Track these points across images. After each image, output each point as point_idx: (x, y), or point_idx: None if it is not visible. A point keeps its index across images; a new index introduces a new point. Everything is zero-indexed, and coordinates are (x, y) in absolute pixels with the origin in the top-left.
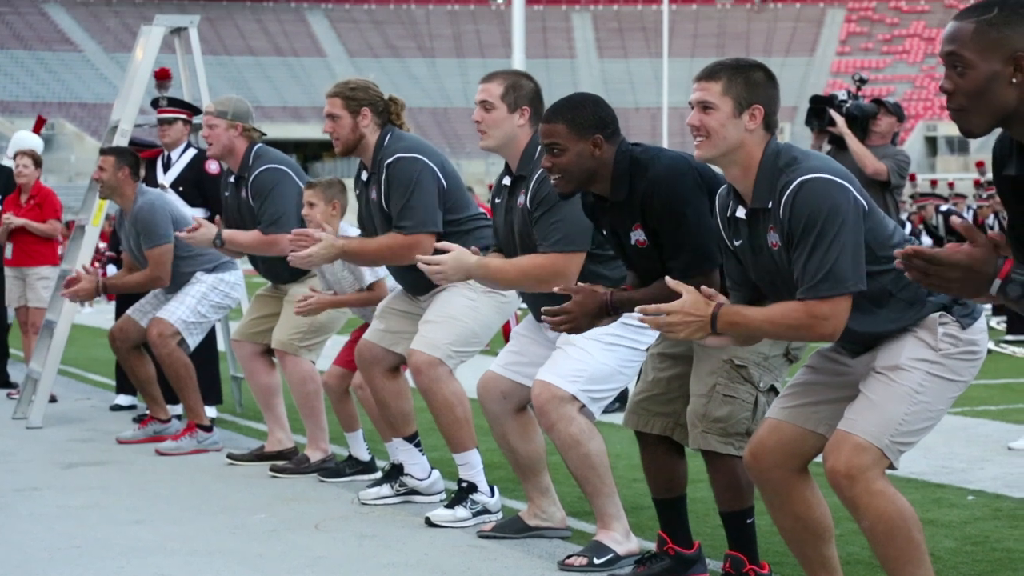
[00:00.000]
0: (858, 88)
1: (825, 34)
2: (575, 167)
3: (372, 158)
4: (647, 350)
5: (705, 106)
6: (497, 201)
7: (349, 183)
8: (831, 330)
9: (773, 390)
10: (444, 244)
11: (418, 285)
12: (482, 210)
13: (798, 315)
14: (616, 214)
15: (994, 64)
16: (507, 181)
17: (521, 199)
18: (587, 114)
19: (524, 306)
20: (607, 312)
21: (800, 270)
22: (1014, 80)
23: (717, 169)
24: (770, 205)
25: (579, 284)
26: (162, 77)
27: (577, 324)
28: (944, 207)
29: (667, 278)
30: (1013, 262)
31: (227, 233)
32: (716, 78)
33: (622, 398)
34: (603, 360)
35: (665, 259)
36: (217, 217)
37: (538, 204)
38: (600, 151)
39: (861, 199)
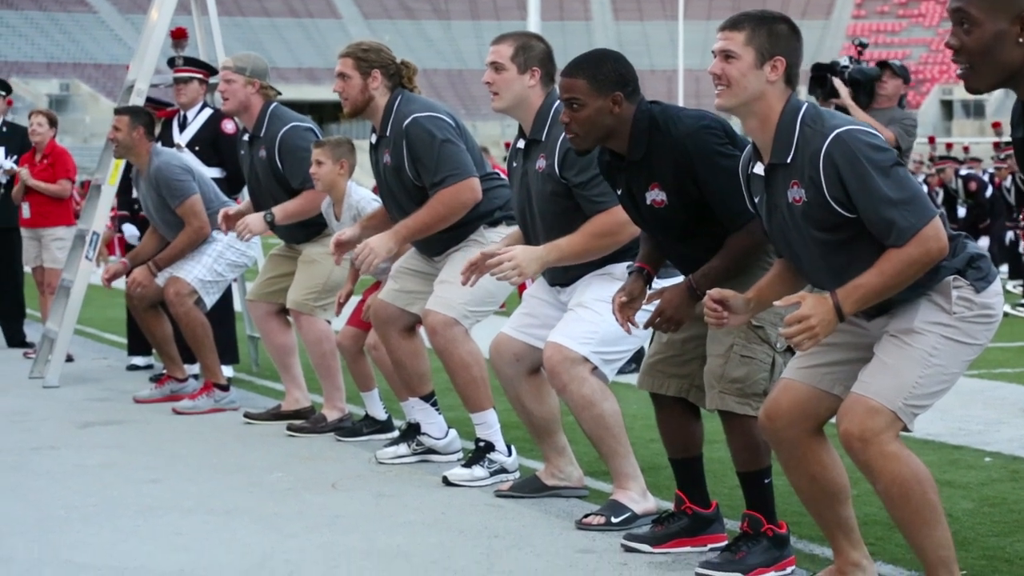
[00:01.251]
0: (859, 52)
1: None
2: (594, 123)
3: (382, 121)
4: None
5: (727, 55)
6: (514, 165)
7: (361, 144)
8: (942, 245)
9: (790, 350)
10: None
11: (433, 245)
12: (496, 170)
13: (910, 252)
14: (633, 173)
15: (1001, 22)
16: (521, 144)
17: (541, 163)
18: (608, 70)
19: None
20: (695, 296)
21: (883, 210)
22: (1020, 39)
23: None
24: (789, 160)
25: (656, 289)
26: (178, 36)
27: (678, 319)
28: (964, 170)
29: (776, 303)
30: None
31: (276, 209)
32: (740, 28)
33: (638, 358)
34: (614, 321)
35: (720, 212)
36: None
37: (571, 168)
38: (619, 108)
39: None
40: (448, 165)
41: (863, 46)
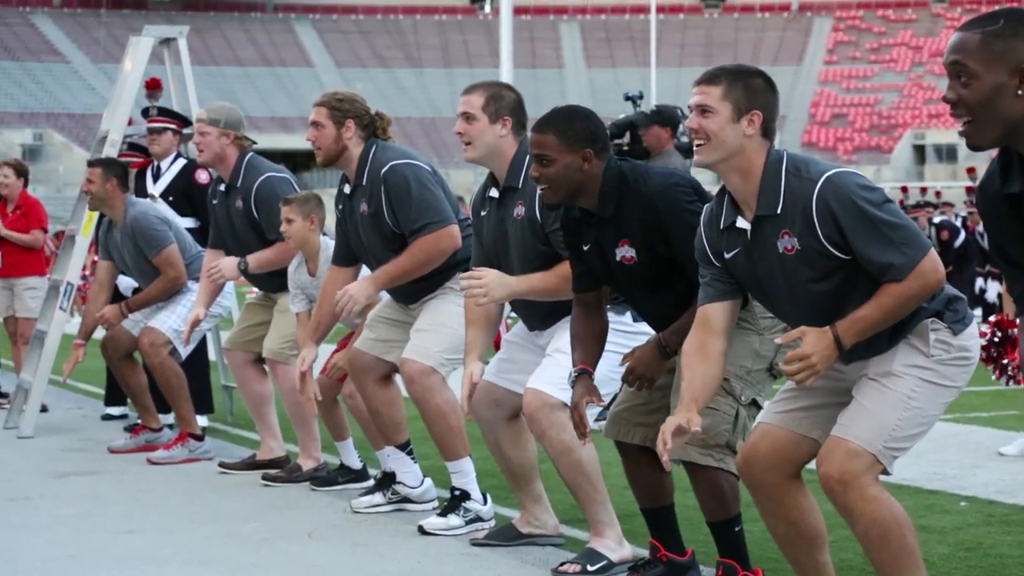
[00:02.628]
0: (635, 105)
1: (813, 43)
2: (563, 179)
3: (356, 171)
4: None
5: (704, 110)
6: (483, 213)
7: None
8: (940, 277)
9: (755, 404)
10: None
11: (408, 293)
12: (470, 218)
13: (909, 285)
14: (602, 229)
15: (999, 75)
16: (494, 193)
17: (519, 210)
18: (578, 127)
19: (514, 315)
20: (666, 354)
21: (880, 249)
22: (1020, 92)
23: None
24: (779, 211)
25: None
26: (153, 87)
27: (649, 376)
28: (937, 218)
29: (776, 340)
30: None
31: (251, 257)
32: (716, 82)
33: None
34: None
35: (685, 267)
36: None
37: (550, 216)
38: (589, 165)
39: None
40: (428, 212)
41: (640, 97)
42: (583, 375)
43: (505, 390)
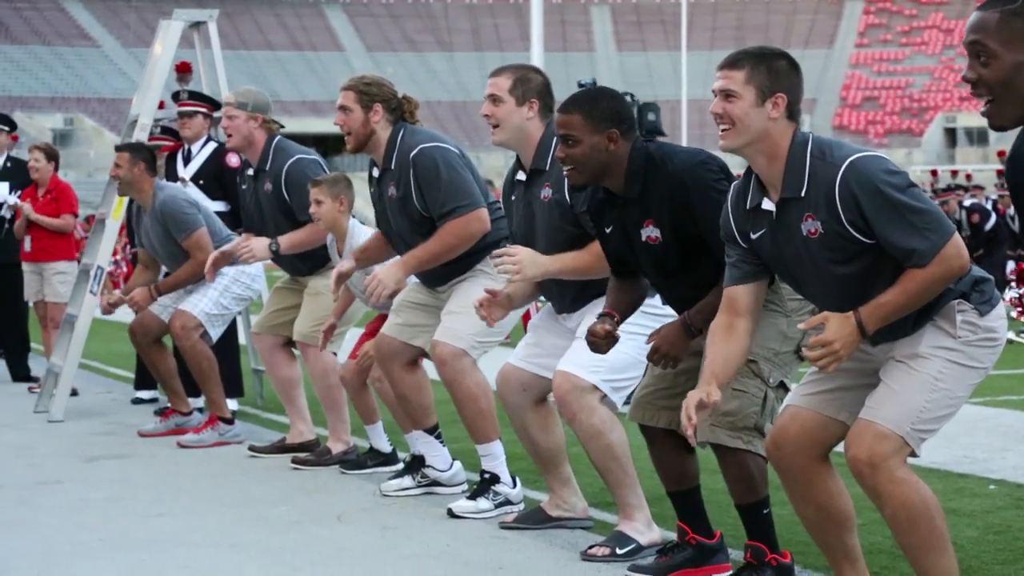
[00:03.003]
0: None
1: (844, 26)
2: (588, 159)
3: (385, 154)
4: None
5: (728, 94)
6: (513, 196)
7: (362, 174)
8: (965, 260)
9: (783, 386)
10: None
11: (437, 276)
12: (500, 201)
13: (933, 270)
14: (627, 210)
15: (1019, 54)
16: (521, 176)
17: (546, 192)
18: (604, 107)
19: (542, 298)
20: (691, 333)
21: (903, 234)
22: None
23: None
24: (803, 194)
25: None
26: (183, 71)
27: (674, 355)
28: (968, 201)
29: (800, 325)
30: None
31: (282, 238)
32: (739, 66)
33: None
34: (623, 349)
35: (712, 245)
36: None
37: (580, 196)
38: (615, 145)
39: None
40: (457, 195)
41: (592, 84)
42: (606, 315)
43: (532, 375)
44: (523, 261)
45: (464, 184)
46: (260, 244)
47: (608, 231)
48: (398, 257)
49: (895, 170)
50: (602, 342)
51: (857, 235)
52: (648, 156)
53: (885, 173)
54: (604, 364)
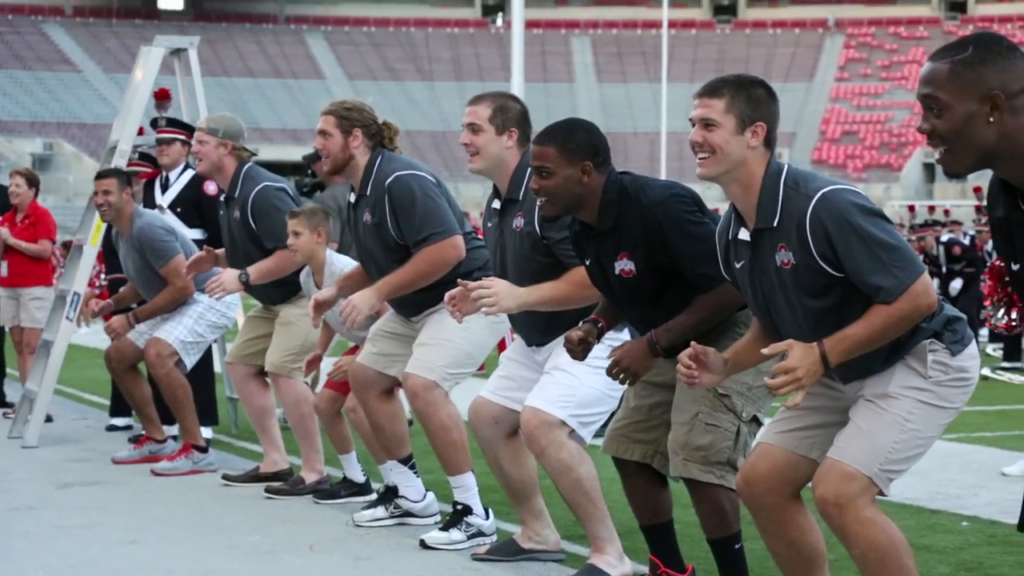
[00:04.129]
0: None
1: (824, 60)
2: (562, 191)
3: (362, 181)
4: None
5: (707, 123)
6: (489, 225)
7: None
8: (932, 299)
9: (756, 420)
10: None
11: (411, 305)
12: (476, 231)
13: (900, 307)
14: (602, 243)
15: (970, 104)
16: (497, 204)
17: (518, 222)
18: (579, 139)
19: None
20: (655, 351)
21: (871, 269)
22: (991, 119)
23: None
24: (775, 224)
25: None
26: (162, 97)
27: (634, 370)
28: (945, 236)
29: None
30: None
31: (251, 268)
32: (719, 95)
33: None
34: (592, 384)
35: (689, 275)
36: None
37: (552, 227)
38: (589, 178)
39: None
40: (432, 223)
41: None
42: (592, 322)
43: (504, 408)
44: (500, 293)
45: (439, 212)
46: (230, 276)
47: (587, 264)
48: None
49: (868, 205)
50: (577, 349)
51: (827, 268)
52: (622, 189)
53: (856, 208)
54: (572, 399)
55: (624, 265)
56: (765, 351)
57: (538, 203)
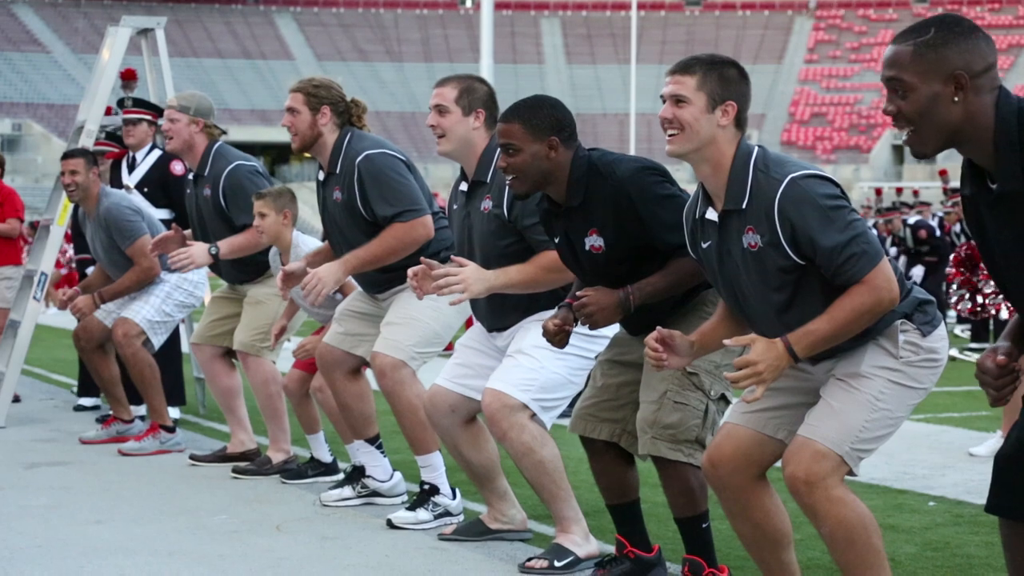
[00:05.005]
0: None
1: (793, 42)
2: (529, 168)
3: (330, 158)
4: (596, 358)
5: (678, 100)
6: (455, 207)
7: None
8: (895, 293)
9: (724, 399)
10: (454, 260)
11: (378, 283)
12: (442, 210)
13: (862, 297)
14: (571, 219)
15: (935, 85)
16: (464, 186)
17: (486, 204)
18: (543, 115)
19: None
20: (626, 308)
21: (834, 255)
22: (956, 99)
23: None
24: (744, 206)
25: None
26: (128, 77)
27: (597, 317)
28: (912, 219)
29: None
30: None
31: (222, 242)
32: (691, 72)
33: (573, 403)
34: (554, 368)
35: (664, 243)
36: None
37: (521, 211)
38: (556, 153)
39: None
40: (403, 200)
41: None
42: (567, 307)
43: (460, 396)
44: (468, 278)
45: (410, 190)
46: (199, 249)
47: (556, 241)
48: None
49: (835, 193)
50: (555, 339)
51: (792, 254)
52: (591, 164)
53: (823, 196)
54: (535, 383)
55: (594, 241)
56: (728, 343)
57: (507, 181)
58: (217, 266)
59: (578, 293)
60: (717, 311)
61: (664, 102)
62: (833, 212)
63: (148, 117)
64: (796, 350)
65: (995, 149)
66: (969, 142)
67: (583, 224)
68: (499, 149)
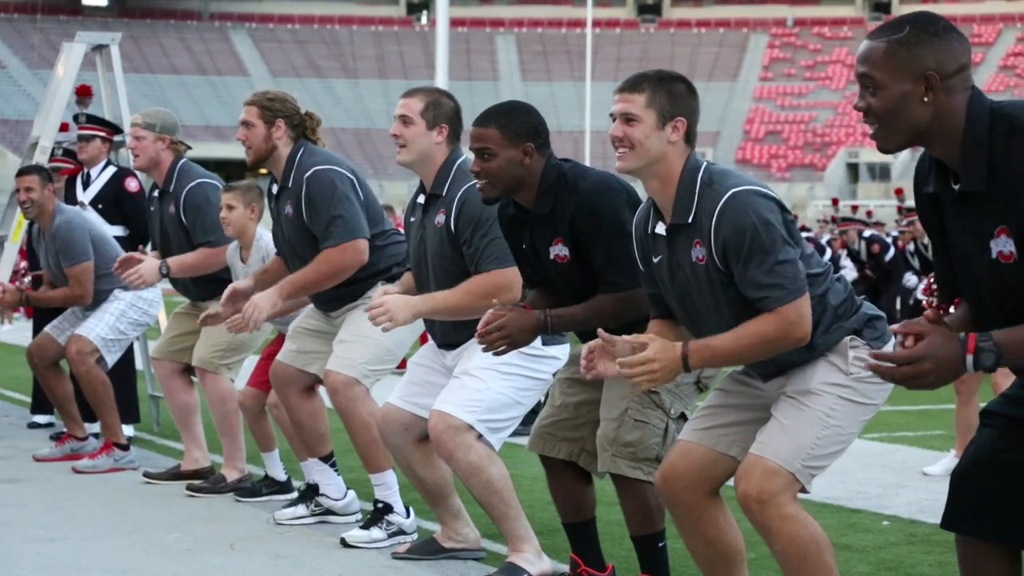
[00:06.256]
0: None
1: (748, 59)
2: (504, 173)
3: (284, 171)
4: (554, 376)
5: (628, 118)
6: (412, 219)
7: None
8: (804, 331)
9: (683, 417)
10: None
11: (328, 300)
12: (397, 227)
13: (769, 327)
14: (537, 227)
15: (905, 84)
16: (421, 200)
17: (439, 218)
18: (520, 121)
19: None
20: (544, 330)
21: (754, 282)
22: (925, 99)
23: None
24: (690, 220)
25: (505, 306)
26: (83, 94)
27: (512, 341)
28: (868, 232)
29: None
30: (975, 334)
31: (172, 260)
32: (639, 90)
33: (530, 421)
34: (500, 389)
35: (599, 272)
36: (143, 246)
37: (466, 225)
38: (530, 159)
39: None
40: (338, 224)
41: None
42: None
43: (411, 415)
44: (391, 308)
45: (347, 213)
46: (150, 266)
47: (524, 248)
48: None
49: (772, 212)
50: (496, 338)
51: (721, 266)
52: (561, 173)
53: (759, 214)
54: (480, 404)
55: (559, 250)
56: (626, 338)
57: (477, 185)
58: (179, 282)
59: (493, 312)
60: (651, 324)
61: (614, 120)
62: (762, 233)
63: (102, 134)
64: (691, 360)
65: (963, 149)
66: (937, 141)
67: (550, 232)
68: (463, 161)
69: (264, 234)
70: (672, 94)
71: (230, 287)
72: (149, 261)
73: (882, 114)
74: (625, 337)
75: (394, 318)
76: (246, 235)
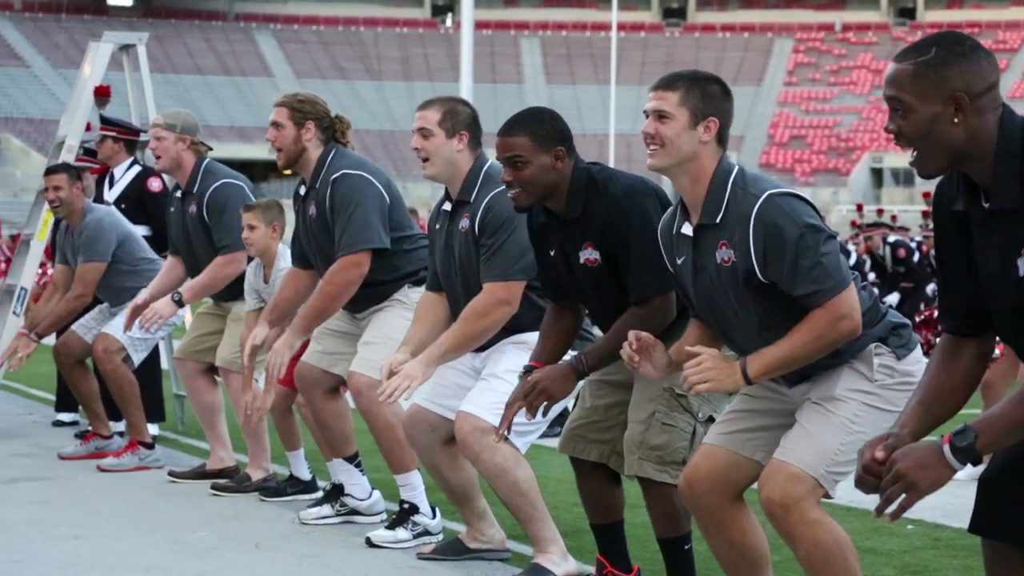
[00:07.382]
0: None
1: (773, 64)
2: (537, 180)
3: (313, 173)
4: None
5: (661, 115)
6: (437, 226)
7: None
8: (856, 322)
9: (711, 420)
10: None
11: (356, 303)
12: (422, 231)
13: (821, 324)
14: (567, 232)
15: (935, 106)
16: (447, 207)
17: (465, 223)
18: (548, 127)
19: None
20: (581, 372)
21: (799, 281)
22: (955, 120)
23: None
24: (719, 220)
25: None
26: (100, 94)
27: (549, 395)
28: (892, 237)
29: (686, 347)
30: (949, 434)
31: (184, 288)
32: (674, 88)
33: (560, 421)
34: None
35: (625, 277)
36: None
37: (484, 229)
38: (561, 164)
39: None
40: (352, 232)
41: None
42: (529, 372)
43: (439, 416)
44: (409, 374)
45: (366, 222)
46: (163, 303)
47: (551, 254)
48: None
49: (809, 215)
50: (536, 397)
51: (758, 272)
52: (590, 177)
53: (799, 216)
54: None
55: (589, 255)
56: (688, 348)
57: (510, 194)
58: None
59: (528, 379)
60: (690, 327)
61: (647, 117)
62: (806, 233)
63: (112, 134)
64: (750, 369)
65: (995, 167)
66: (971, 160)
67: (580, 237)
68: (490, 166)
69: (285, 254)
70: (706, 94)
71: (248, 344)
72: (161, 299)
73: (914, 137)
74: (663, 347)
75: (414, 382)
76: (268, 254)
